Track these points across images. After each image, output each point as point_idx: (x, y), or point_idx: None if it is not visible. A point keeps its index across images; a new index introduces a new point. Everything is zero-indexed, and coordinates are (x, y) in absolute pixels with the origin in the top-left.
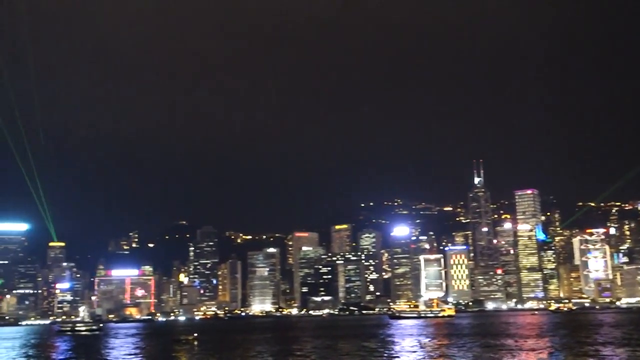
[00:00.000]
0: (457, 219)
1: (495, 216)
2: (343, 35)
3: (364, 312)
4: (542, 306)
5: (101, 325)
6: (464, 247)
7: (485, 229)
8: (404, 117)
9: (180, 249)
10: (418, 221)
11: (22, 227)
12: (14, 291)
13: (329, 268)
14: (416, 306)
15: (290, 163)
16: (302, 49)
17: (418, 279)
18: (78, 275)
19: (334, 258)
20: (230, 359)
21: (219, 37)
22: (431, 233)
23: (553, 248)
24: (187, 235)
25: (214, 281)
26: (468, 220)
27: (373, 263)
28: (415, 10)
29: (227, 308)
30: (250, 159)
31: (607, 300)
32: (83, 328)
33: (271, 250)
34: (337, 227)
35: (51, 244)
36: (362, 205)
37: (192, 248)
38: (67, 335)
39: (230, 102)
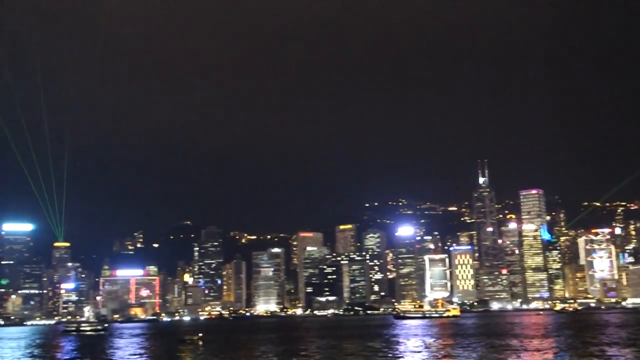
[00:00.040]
0: (462, 219)
1: (500, 216)
2: (343, 35)
3: (368, 312)
4: (547, 306)
5: (106, 325)
6: (469, 247)
7: (490, 229)
8: (405, 117)
9: (185, 249)
10: (423, 221)
11: (27, 227)
12: (19, 291)
13: (334, 268)
14: (421, 306)
15: (293, 163)
16: (302, 49)
17: (423, 279)
18: (83, 276)
19: (339, 258)
20: (235, 359)
21: (220, 37)
22: (436, 233)
23: (558, 248)
24: (192, 236)
25: (219, 281)
26: (473, 220)
27: (378, 263)
28: (415, 10)
29: (231, 308)
30: (254, 158)
31: (613, 300)
32: (88, 328)
33: (276, 250)
34: (342, 227)
35: (56, 244)
36: (367, 205)
37: (197, 248)
38: (72, 335)
39: (231, 102)
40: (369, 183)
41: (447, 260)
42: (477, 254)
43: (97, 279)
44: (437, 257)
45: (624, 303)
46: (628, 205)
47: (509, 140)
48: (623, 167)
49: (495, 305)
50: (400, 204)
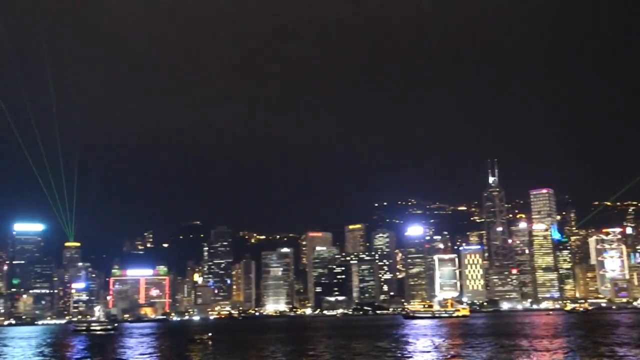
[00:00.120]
0: (472, 218)
1: (510, 216)
2: (343, 35)
3: (378, 312)
4: (557, 306)
5: (116, 324)
6: (479, 246)
7: (500, 229)
8: (407, 117)
9: (195, 249)
10: (432, 221)
11: (38, 227)
12: (31, 291)
13: (343, 268)
14: (430, 306)
15: (293, 163)
16: (303, 49)
17: (432, 278)
18: (93, 275)
19: (348, 258)
20: (244, 358)
21: (220, 37)
22: (445, 233)
23: (569, 248)
24: (201, 236)
25: (228, 281)
26: (483, 220)
27: (387, 263)
28: (415, 10)
29: (241, 308)
30: (253, 158)
31: (624, 300)
32: (98, 327)
33: (285, 250)
34: (351, 227)
35: (67, 244)
36: (376, 205)
37: (206, 248)
38: (83, 334)
39: (231, 102)
40: (375, 183)
41: (456, 260)
42: (486, 254)
43: (107, 279)
44: (446, 256)
45: (635, 303)
46: (639, 204)
47: (519, 139)
48: (634, 167)
49: (505, 305)
50: (410, 203)
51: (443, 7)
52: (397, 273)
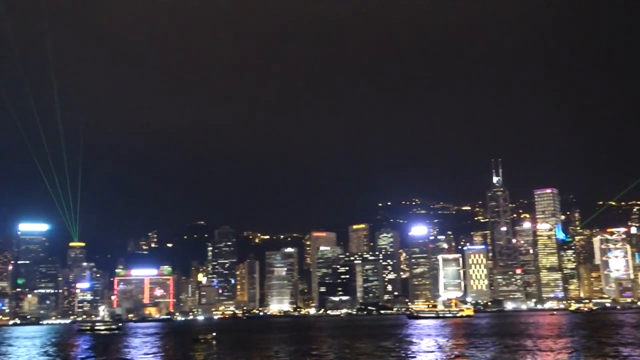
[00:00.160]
0: (476, 218)
1: (514, 215)
2: (343, 35)
3: (382, 312)
4: (562, 306)
5: (120, 324)
6: (483, 246)
7: (504, 229)
8: (407, 117)
9: (199, 249)
10: (436, 221)
11: (43, 227)
12: (35, 291)
13: (347, 268)
14: (434, 306)
15: (293, 163)
16: (303, 49)
17: (436, 278)
18: (98, 275)
19: (352, 258)
20: (248, 358)
21: (220, 37)
22: (449, 232)
23: (573, 247)
24: (206, 235)
25: (232, 281)
26: (487, 220)
27: (391, 263)
28: (415, 10)
29: (245, 308)
30: (253, 158)
31: (628, 300)
32: (102, 327)
33: (289, 250)
34: (355, 226)
35: (71, 244)
36: (380, 204)
37: (211, 248)
38: (87, 334)
39: (231, 102)
40: (375, 183)
41: (460, 259)
42: (491, 254)
43: (111, 279)
44: (450, 256)
45: (639, 303)
46: None
47: (523, 139)
48: (638, 166)
49: (509, 305)
50: (414, 203)
51: (443, 7)
52: (401, 273)
